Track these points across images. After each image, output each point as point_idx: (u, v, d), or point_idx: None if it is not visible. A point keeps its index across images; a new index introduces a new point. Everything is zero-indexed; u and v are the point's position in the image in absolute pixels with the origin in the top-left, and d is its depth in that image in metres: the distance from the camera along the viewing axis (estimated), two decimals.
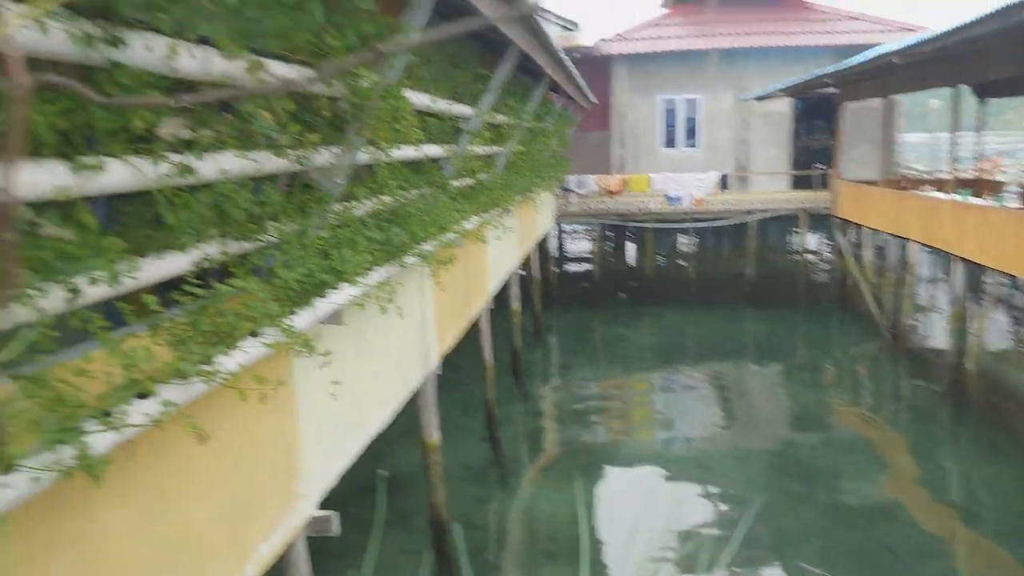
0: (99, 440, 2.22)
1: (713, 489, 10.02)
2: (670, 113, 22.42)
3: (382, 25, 3.74)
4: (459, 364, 11.36)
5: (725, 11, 23.08)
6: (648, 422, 13.28)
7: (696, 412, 13.44)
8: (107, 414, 2.32)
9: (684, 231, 21.67)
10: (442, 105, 6.42)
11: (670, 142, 22.55)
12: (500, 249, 10.89)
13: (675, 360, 16.25)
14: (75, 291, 2.29)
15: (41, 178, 2.17)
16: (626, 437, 12.43)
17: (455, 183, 7.55)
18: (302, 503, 4.27)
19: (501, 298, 12.03)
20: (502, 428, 11.22)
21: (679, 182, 20.07)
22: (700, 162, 22.14)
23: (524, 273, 15.34)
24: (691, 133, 22.47)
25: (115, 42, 2.25)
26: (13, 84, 0.73)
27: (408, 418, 7.01)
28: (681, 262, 22.16)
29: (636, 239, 21.81)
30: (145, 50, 2.43)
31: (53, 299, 2.23)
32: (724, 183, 21.19)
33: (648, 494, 10.02)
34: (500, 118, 9.19)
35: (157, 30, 2.53)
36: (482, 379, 11.13)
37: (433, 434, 7.66)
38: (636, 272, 21.63)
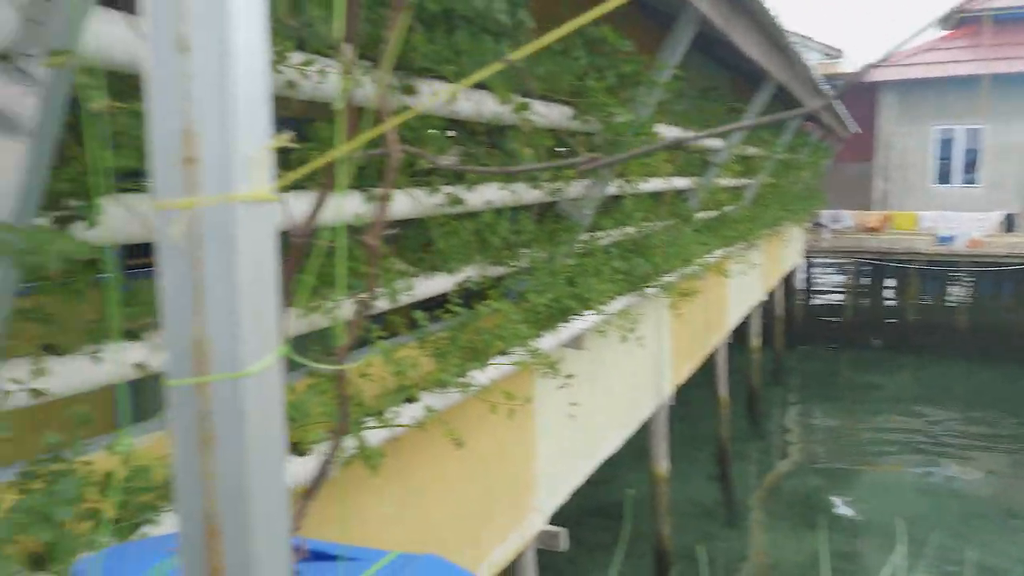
0: (374, 435, 2.55)
1: (971, 554, 8.92)
2: (945, 144, 20.40)
3: (640, 64, 3.90)
4: (692, 397, 11.16)
5: (1014, 31, 20.61)
6: (899, 482, 12.11)
7: (959, 478, 12.03)
8: (380, 413, 2.65)
9: (956, 274, 19.52)
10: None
11: (944, 177, 20.48)
12: (742, 283, 10.59)
13: (936, 419, 14.65)
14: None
15: (347, 206, 2.55)
16: (873, 492, 11.43)
17: (700, 215, 7.51)
18: (533, 515, 4.50)
19: (740, 333, 11.66)
20: (734, 466, 10.84)
21: (954, 221, 18.14)
22: (979, 200, 19.84)
23: (767, 309, 14.73)
24: (970, 167, 20.24)
25: (409, 90, 2.59)
26: (390, 155, 0.93)
27: (637, 447, 7.05)
28: (949, 308, 19.96)
29: (897, 279, 20.02)
30: (431, 96, 2.78)
31: (345, 310, 2.61)
32: (1010, 224, 18.82)
33: (893, 554, 9.15)
34: (751, 150, 8.99)
35: (441, 78, 2.88)
36: (715, 415, 10.85)
37: (662, 464, 7.63)
38: (894, 315, 19.83)
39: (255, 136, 0.84)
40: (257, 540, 0.86)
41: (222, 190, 0.83)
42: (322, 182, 0.99)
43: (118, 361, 2.04)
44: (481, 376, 3.34)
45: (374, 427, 2.51)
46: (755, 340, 13.49)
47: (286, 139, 0.82)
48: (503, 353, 3.64)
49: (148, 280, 2.42)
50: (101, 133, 1.84)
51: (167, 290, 0.85)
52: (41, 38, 1.46)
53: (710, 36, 5.33)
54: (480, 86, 3.18)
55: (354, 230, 2.92)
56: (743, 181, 9.31)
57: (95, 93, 1.49)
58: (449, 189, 3.17)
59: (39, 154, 1.55)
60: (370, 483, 2.92)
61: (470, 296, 3.61)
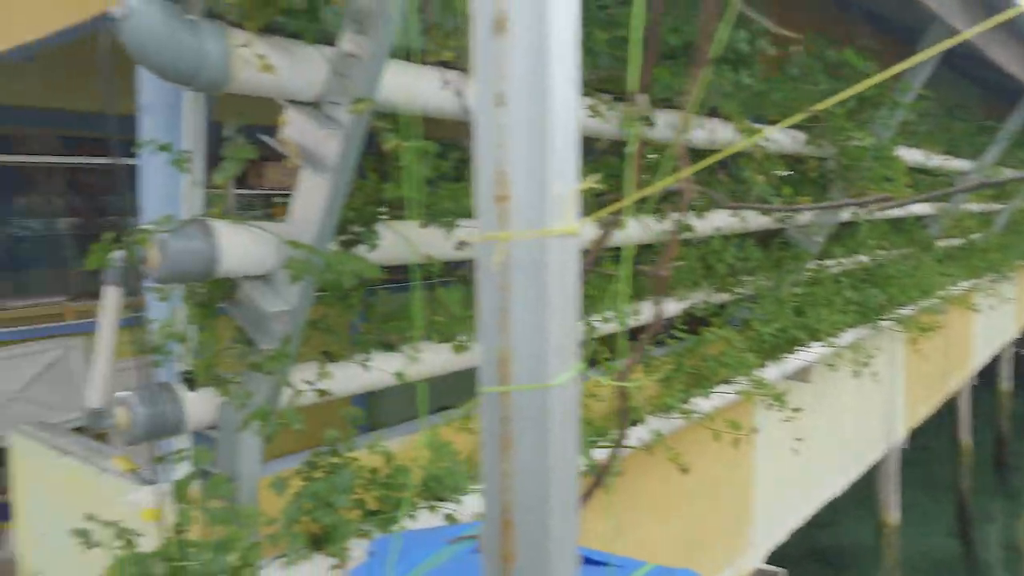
0: (599, 454, 2.64)
1: None
2: None
3: (882, 87, 3.71)
4: (928, 442, 10.20)
5: None
6: None
7: None
8: (605, 433, 2.73)
9: None
10: (936, 161, 5.96)
11: None
12: (991, 319, 9.54)
13: None
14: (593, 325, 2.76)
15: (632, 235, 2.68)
16: None
17: (943, 243, 6.91)
18: (750, 550, 4.35)
19: (988, 374, 10.49)
20: (976, 525, 9.74)
21: None
22: None
23: (1021, 350, 13.12)
24: None
25: (647, 122, 2.68)
26: (683, 191, 1.02)
27: (863, 491, 6.57)
28: None
29: None
30: (667, 126, 2.84)
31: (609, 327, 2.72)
32: None
33: None
34: (1008, 172, 8.12)
35: (674, 107, 2.93)
36: (955, 463, 9.83)
37: (892, 513, 7.05)
38: None
39: (565, 178, 0.95)
40: (552, 536, 0.96)
41: (531, 225, 0.95)
42: (610, 216, 1.09)
43: (426, 362, 2.28)
44: (704, 403, 3.32)
45: (605, 445, 2.60)
46: (1005, 384, 12.06)
47: (594, 181, 0.92)
48: (726, 381, 3.59)
49: (401, 296, 2.69)
50: (381, 168, 2.10)
51: (482, 311, 0.98)
52: (346, 88, 1.71)
53: (958, 50, 4.93)
54: (711, 113, 3.20)
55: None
56: (994, 206, 8.42)
57: (388, 134, 1.71)
58: (679, 217, 3.21)
59: (337, 188, 1.80)
60: (595, 500, 3.00)
61: (693, 322, 3.61)
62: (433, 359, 2.52)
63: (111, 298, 1.79)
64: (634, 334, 3.23)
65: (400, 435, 2.55)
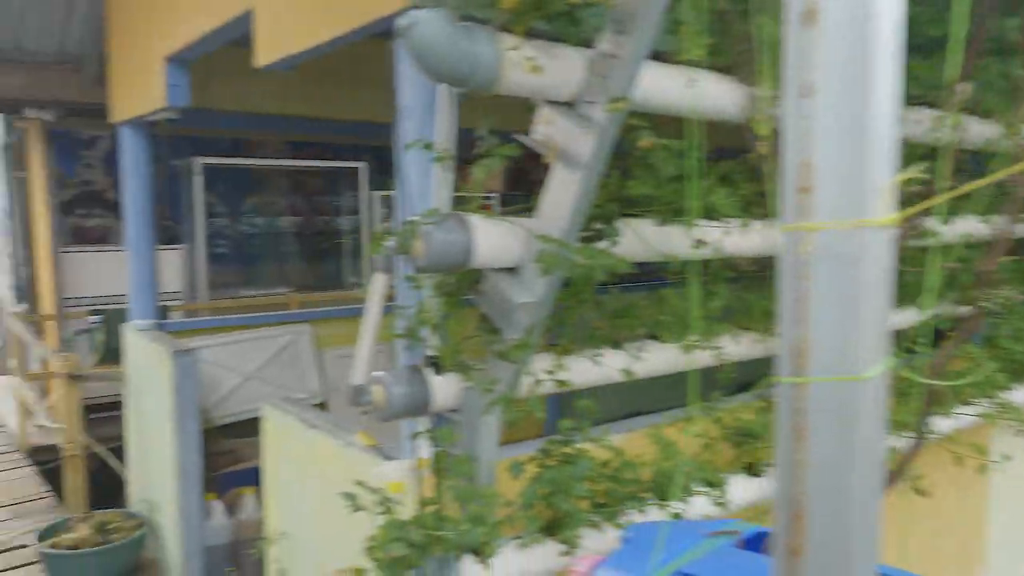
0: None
1: None
2: None
3: None
4: None
5: None
6: None
7: None
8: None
9: None
10: None
11: None
12: None
13: None
14: None
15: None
16: None
17: None
18: None
19: None
20: None
21: None
22: None
23: None
24: None
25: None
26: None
27: None
28: None
29: None
30: (915, 123, 2.66)
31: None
32: None
33: None
34: None
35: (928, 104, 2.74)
36: None
37: None
38: None
39: (881, 169, 0.92)
40: (851, 533, 0.94)
41: (838, 215, 0.93)
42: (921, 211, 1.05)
43: (651, 361, 2.31)
44: (942, 423, 3.08)
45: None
46: None
47: (916, 172, 0.89)
48: (966, 402, 3.30)
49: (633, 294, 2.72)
50: (623, 166, 2.13)
51: (782, 301, 0.98)
52: (603, 87, 1.76)
53: None
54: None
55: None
56: None
57: (644, 132, 1.74)
58: (922, 220, 2.99)
59: (588, 184, 1.86)
60: None
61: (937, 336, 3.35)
62: (657, 358, 2.53)
63: (379, 284, 1.96)
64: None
65: (621, 432, 2.58)
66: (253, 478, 4.75)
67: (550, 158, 1.84)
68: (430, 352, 2.14)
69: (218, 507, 4.35)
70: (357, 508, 1.94)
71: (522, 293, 1.97)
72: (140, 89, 4.22)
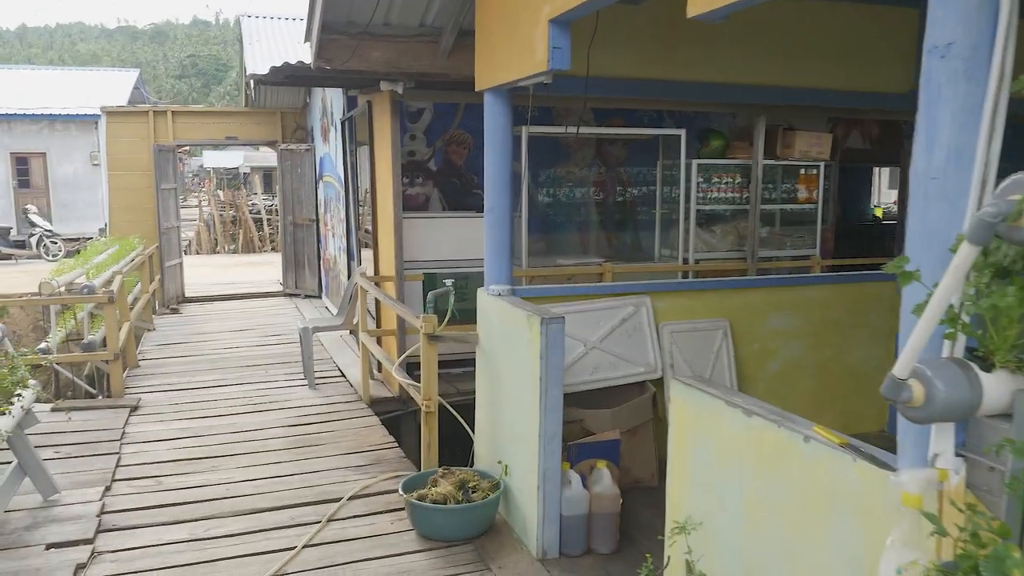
0: None
1: None
2: None
3: None
4: None
5: None
6: None
7: None
8: None
9: None
10: None
11: None
12: None
13: None
14: None
15: None
16: None
17: None
18: None
19: None
20: None
21: None
22: None
23: None
24: None
25: None
26: None
27: None
28: None
29: None
30: None
31: None
32: None
33: None
34: None
35: None
36: None
37: None
38: None
39: None
40: None
41: None
42: None
43: None
44: None
45: None
46: None
47: None
48: None
49: None
50: None
51: None
52: None
53: None
54: None
55: None
56: None
57: None
58: None
59: None
60: None
61: None
62: None
63: (963, 256, 1.58)
64: None
65: None
66: (605, 451, 4.67)
67: None
68: (976, 344, 1.75)
69: (575, 477, 4.29)
70: (940, 532, 1.61)
71: None
72: (517, 54, 4.19)
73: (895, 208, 14.23)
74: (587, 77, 4.55)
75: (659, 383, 5.41)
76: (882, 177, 19.30)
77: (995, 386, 1.70)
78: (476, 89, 4.85)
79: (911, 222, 1.88)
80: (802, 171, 8.15)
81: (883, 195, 20.24)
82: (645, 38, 5.01)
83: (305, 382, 7.76)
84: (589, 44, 4.31)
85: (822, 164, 8.17)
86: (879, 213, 15.55)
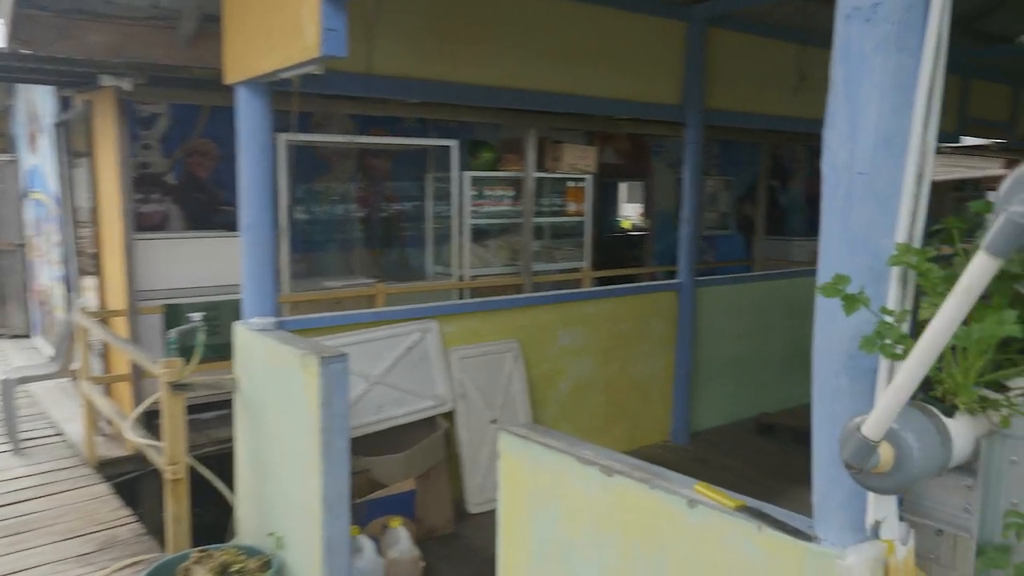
0: None
1: None
2: None
3: None
4: None
5: None
6: None
7: None
8: None
9: None
10: None
11: None
12: None
13: None
14: None
15: None
16: None
17: None
18: None
19: None
20: None
21: None
22: None
23: None
24: None
25: None
26: None
27: None
28: None
29: None
30: None
31: None
32: None
33: None
34: None
35: None
36: None
37: None
38: None
39: None
40: None
41: None
42: None
43: None
44: None
45: None
46: None
47: None
48: None
49: None
50: None
51: None
52: None
53: None
54: None
55: None
56: None
57: None
58: None
59: None
60: None
61: None
62: None
63: (978, 271, 1.17)
64: None
65: None
66: (399, 505, 4.02)
67: None
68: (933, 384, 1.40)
69: (367, 543, 3.61)
70: None
71: None
72: (279, 37, 3.44)
73: (639, 220, 15.07)
74: (369, 75, 3.93)
75: (450, 416, 4.87)
76: (621, 192, 20.51)
77: (960, 434, 1.35)
78: (226, 82, 4.00)
79: (828, 227, 1.50)
80: (570, 184, 8.10)
81: (622, 209, 21.55)
82: (423, 32, 4.47)
83: (9, 447, 6.21)
84: (370, 30, 3.67)
85: (589, 177, 8.19)
86: (627, 225, 16.38)
